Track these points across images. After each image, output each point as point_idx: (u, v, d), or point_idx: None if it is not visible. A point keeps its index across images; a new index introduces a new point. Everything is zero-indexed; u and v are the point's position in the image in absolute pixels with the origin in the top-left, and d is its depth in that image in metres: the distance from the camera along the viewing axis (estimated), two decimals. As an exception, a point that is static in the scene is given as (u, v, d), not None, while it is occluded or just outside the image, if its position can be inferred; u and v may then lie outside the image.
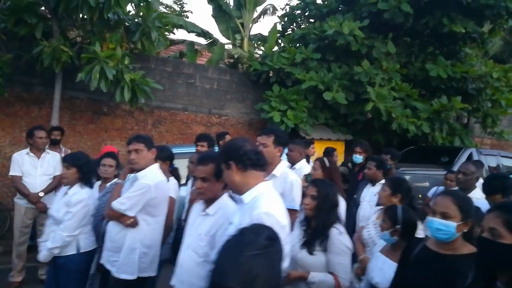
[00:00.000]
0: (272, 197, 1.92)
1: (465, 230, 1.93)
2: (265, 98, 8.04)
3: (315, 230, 2.44)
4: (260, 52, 10.57)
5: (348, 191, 4.64)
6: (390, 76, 8.05)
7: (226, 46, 10.08)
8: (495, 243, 1.50)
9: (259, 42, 11.37)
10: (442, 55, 8.83)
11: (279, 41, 10.42)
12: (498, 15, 8.14)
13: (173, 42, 10.01)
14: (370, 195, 4.17)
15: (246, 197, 1.89)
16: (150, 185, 2.78)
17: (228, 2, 10.20)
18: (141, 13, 6.48)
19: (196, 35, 9.94)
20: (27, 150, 4.57)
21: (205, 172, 2.15)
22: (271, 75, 8.39)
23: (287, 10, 10.88)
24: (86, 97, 6.88)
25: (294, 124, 7.60)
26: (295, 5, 10.51)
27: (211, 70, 8.31)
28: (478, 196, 3.32)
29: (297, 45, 8.91)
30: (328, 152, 6.58)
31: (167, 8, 15.87)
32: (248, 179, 1.90)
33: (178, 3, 16.97)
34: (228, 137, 5.43)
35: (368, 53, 8.11)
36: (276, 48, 10.05)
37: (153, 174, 2.88)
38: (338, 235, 2.39)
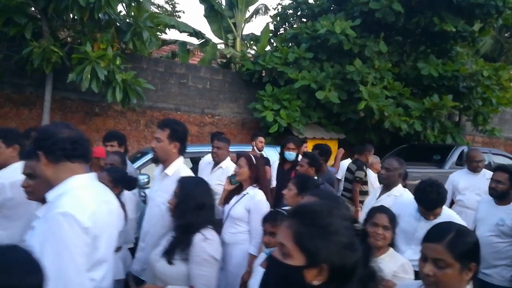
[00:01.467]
0: (86, 193, 1.55)
1: None
2: (258, 98, 8.03)
3: (175, 235, 2.07)
4: (253, 52, 10.57)
5: (277, 190, 4.33)
6: (382, 75, 8.09)
7: (219, 46, 10.06)
8: (280, 264, 1.07)
9: (252, 42, 11.36)
10: (433, 54, 8.89)
11: (272, 40, 10.43)
12: (488, 14, 8.21)
13: (165, 42, 9.96)
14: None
15: (50, 194, 1.55)
16: (4, 184, 2.40)
17: (220, 2, 10.17)
18: (132, 13, 6.45)
19: (188, 35, 9.89)
20: None
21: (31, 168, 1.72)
22: (263, 74, 8.39)
23: (279, 10, 10.89)
24: (77, 98, 6.82)
25: (287, 123, 7.61)
26: (287, 4, 10.53)
27: (204, 70, 8.28)
28: (397, 194, 3.21)
29: (290, 44, 8.92)
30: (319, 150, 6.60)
31: (159, 8, 15.81)
32: (59, 173, 1.55)
33: (169, 3, 16.91)
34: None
35: (360, 52, 8.14)
36: (268, 47, 10.06)
37: (11, 172, 2.43)
38: (202, 242, 1.99)
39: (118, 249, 2.63)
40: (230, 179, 3.20)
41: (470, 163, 4.67)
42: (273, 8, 14.24)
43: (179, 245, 2.01)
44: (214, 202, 2.21)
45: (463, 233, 1.48)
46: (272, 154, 6.37)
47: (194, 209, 2.06)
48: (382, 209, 2.40)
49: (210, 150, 5.64)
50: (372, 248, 1.65)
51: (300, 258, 1.05)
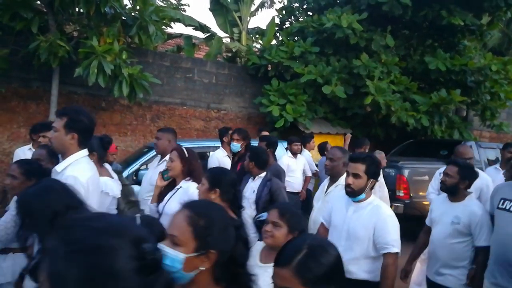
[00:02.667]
0: None
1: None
2: (263, 92, 8.01)
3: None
4: (259, 46, 10.52)
5: None
6: (389, 69, 8.03)
7: (224, 40, 10.01)
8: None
9: (257, 36, 11.30)
10: (441, 48, 8.80)
11: (277, 34, 10.36)
12: (496, 7, 8.11)
13: (171, 36, 9.93)
14: (249, 191, 3.60)
15: None
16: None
17: (225, -5, 10.11)
18: (137, 7, 6.41)
19: (193, 29, 9.85)
20: (30, 145, 4.54)
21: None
22: (269, 69, 8.35)
23: (285, 3, 10.80)
24: (84, 92, 6.84)
25: (293, 118, 7.58)
26: (293, -2, 10.44)
27: (209, 64, 8.26)
28: (344, 183, 2.98)
29: (296, 38, 8.86)
30: (322, 147, 6.63)
31: (164, 2, 15.73)
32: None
33: (175, -3, 16.80)
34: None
35: (367, 46, 8.08)
36: (274, 41, 10.00)
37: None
38: None
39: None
40: (163, 174, 2.99)
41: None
42: (279, 1, 14.15)
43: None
44: (76, 203, 1.77)
45: (316, 251, 1.18)
46: (278, 149, 6.36)
47: (43, 225, 1.68)
48: (276, 205, 2.23)
49: (216, 145, 5.66)
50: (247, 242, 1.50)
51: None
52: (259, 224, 3.25)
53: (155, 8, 6.55)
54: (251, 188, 3.61)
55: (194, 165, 2.98)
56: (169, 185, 3.00)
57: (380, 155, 5.56)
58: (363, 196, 2.54)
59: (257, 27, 11.39)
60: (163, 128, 4.14)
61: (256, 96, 8.25)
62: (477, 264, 2.81)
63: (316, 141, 7.01)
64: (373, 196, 2.63)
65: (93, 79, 5.64)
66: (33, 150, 4.51)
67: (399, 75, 8.15)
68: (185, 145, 5.66)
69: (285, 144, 6.38)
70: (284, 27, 10.51)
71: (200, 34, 10.39)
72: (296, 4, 10.39)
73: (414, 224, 4.50)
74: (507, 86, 8.76)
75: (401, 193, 6.05)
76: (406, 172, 6.16)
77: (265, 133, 5.90)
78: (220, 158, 5.10)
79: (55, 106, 6.14)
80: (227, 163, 4.79)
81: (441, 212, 3.03)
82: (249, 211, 3.48)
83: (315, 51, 8.08)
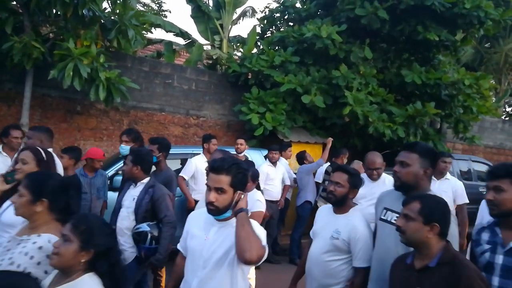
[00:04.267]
0: None
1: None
2: (243, 100, 8.00)
3: None
4: (239, 54, 10.55)
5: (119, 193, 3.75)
6: (367, 81, 8.17)
7: (205, 47, 9.99)
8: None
9: (238, 44, 11.34)
10: (416, 62, 9.03)
11: (258, 43, 10.42)
12: (470, 24, 8.39)
13: (151, 42, 9.85)
14: (129, 200, 3.27)
15: None
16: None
17: (207, 3, 10.13)
18: (117, 11, 6.33)
19: (174, 35, 9.81)
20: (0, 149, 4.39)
21: None
22: (249, 77, 8.36)
23: (267, 13, 10.89)
24: (59, 95, 6.66)
25: (273, 126, 7.60)
26: (274, 8, 10.54)
27: (189, 70, 8.21)
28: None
29: (276, 47, 8.92)
30: (300, 156, 6.68)
31: (145, 7, 15.62)
32: None
33: (156, 2, 16.74)
34: (214, 141, 5.37)
35: (346, 57, 8.21)
36: (255, 50, 10.04)
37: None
38: None
39: None
40: (6, 177, 2.49)
41: (366, 169, 4.15)
42: (260, 11, 14.27)
43: None
44: None
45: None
46: (257, 157, 6.36)
47: None
48: (74, 217, 2.02)
49: (194, 152, 5.61)
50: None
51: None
52: (136, 237, 3.10)
53: (135, 12, 6.48)
54: (131, 196, 3.24)
55: (52, 170, 2.53)
56: (12, 189, 2.38)
57: (358, 165, 5.64)
58: (228, 214, 2.00)
59: (238, 35, 11.44)
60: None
61: (235, 104, 8.24)
62: (352, 286, 2.48)
63: (295, 150, 7.05)
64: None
65: (68, 81, 5.50)
66: (3, 154, 4.36)
67: (376, 87, 8.31)
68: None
69: (265, 153, 6.39)
70: (265, 36, 10.58)
71: (181, 41, 10.36)
72: (277, 14, 10.49)
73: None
74: (479, 100, 9.05)
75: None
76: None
77: (241, 140, 5.87)
78: (198, 164, 5.05)
79: (27, 109, 5.95)
80: (204, 170, 4.75)
81: (323, 224, 2.66)
82: (127, 223, 3.18)
83: (295, 60, 8.15)
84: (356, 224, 2.51)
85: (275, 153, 6.15)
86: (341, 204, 2.61)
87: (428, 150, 2.32)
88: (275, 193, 6.08)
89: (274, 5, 10.56)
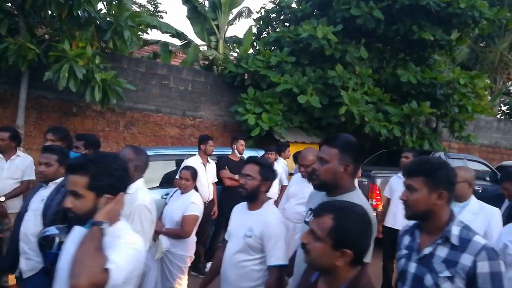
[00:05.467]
0: None
1: None
2: (240, 101, 8.01)
3: None
4: (235, 55, 10.55)
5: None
6: (363, 81, 8.20)
7: (201, 48, 10.00)
8: None
9: (234, 45, 11.35)
10: (412, 61, 9.07)
11: (254, 43, 10.43)
12: (465, 23, 8.44)
13: (147, 43, 9.83)
14: (37, 202, 2.80)
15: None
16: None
17: (203, 3, 10.13)
18: (113, 12, 6.33)
19: (170, 35, 9.80)
20: None
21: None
22: (246, 77, 8.37)
23: (263, 14, 10.91)
24: (54, 97, 6.64)
25: (269, 127, 7.61)
26: (270, 8, 10.56)
27: (186, 71, 8.21)
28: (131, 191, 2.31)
29: (272, 48, 8.94)
30: (297, 156, 6.67)
31: (141, 8, 15.61)
32: None
33: (152, 3, 16.73)
34: (211, 142, 5.35)
35: (342, 57, 8.23)
36: (251, 50, 10.05)
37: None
38: None
39: None
40: None
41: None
42: (256, 11, 14.28)
43: None
44: None
45: None
46: (253, 157, 6.35)
47: None
48: None
49: (190, 153, 5.60)
50: None
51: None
52: (42, 242, 2.44)
53: (131, 13, 6.48)
54: (40, 197, 2.78)
55: None
56: None
57: None
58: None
59: (235, 36, 11.44)
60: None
61: (232, 105, 8.24)
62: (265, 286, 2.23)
63: (291, 150, 7.05)
64: (123, 222, 1.66)
65: (63, 83, 5.49)
66: (-1, 155, 4.33)
67: (372, 87, 8.34)
68: (160, 152, 5.59)
69: (261, 153, 6.39)
70: (261, 36, 10.60)
71: (177, 42, 10.35)
72: (273, 15, 10.51)
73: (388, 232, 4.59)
74: (474, 99, 9.10)
75: (373, 202, 6.15)
76: (378, 182, 6.27)
77: (242, 141, 5.84)
78: (194, 165, 5.03)
79: (23, 111, 5.93)
80: (200, 170, 4.73)
81: (238, 224, 2.44)
82: (33, 227, 2.68)
83: (291, 61, 8.17)
84: (269, 219, 2.29)
85: (271, 153, 6.15)
86: (253, 199, 2.40)
87: (349, 144, 2.02)
88: (273, 193, 6.07)
89: (270, 6, 10.59)
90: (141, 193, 2.48)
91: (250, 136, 7.58)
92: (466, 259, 1.60)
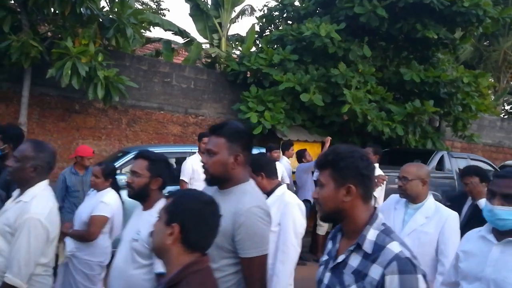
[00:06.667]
0: None
1: None
2: (242, 99, 7.99)
3: None
4: (238, 52, 10.53)
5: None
6: (366, 79, 8.17)
7: (204, 46, 9.98)
8: None
9: (237, 43, 11.33)
10: (415, 60, 9.03)
11: (257, 41, 10.41)
12: (469, 22, 8.39)
13: (149, 40, 9.83)
14: None
15: None
16: None
17: (205, 1, 10.10)
18: (115, 9, 6.31)
19: (173, 33, 9.79)
20: None
21: None
22: (248, 75, 8.35)
23: (265, 11, 10.87)
24: (57, 94, 6.65)
25: (271, 125, 7.59)
26: (273, 6, 10.53)
27: (188, 69, 8.20)
28: None
29: (275, 46, 8.91)
30: (300, 154, 6.67)
31: (143, 5, 15.60)
32: None
33: (154, 1, 16.71)
34: (205, 139, 5.34)
35: (345, 56, 8.20)
36: (253, 48, 10.03)
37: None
38: None
39: None
40: None
41: None
42: (259, 9, 14.27)
43: None
44: None
45: None
46: (255, 155, 6.34)
47: None
48: None
49: (192, 150, 5.60)
50: None
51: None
52: None
53: (133, 10, 6.47)
54: None
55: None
56: None
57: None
58: None
59: (237, 34, 11.41)
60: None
61: (234, 103, 8.23)
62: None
63: (294, 148, 7.04)
64: None
65: (66, 80, 5.49)
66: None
67: (375, 85, 8.30)
68: (162, 150, 5.59)
69: (263, 151, 6.38)
70: (263, 34, 10.57)
71: (179, 39, 10.33)
72: (276, 13, 10.47)
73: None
74: (478, 98, 9.06)
75: (376, 201, 6.14)
76: (381, 180, 6.24)
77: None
78: (194, 163, 5.02)
79: (25, 108, 5.94)
80: (200, 169, 4.71)
81: (129, 227, 2.22)
82: None
83: (294, 59, 8.14)
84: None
85: (275, 152, 6.14)
86: (144, 199, 2.19)
87: (237, 132, 1.83)
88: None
89: (273, 4, 10.56)
90: (37, 203, 2.03)
91: (252, 134, 7.56)
92: (375, 271, 1.30)
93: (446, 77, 8.37)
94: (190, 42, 9.81)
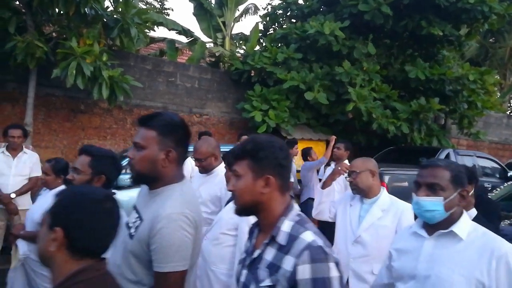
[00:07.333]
0: None
1: None
2: (246, 98, 7.99)
3: None
4: (242, 51, 10.52)
5: None
6: (371, 77, 8.14)
7: (208, 45, 9.98)
8: None
9: (241, 41, 11.32)
10: (420, 57, 8.99)
11: (261, 40, 10.40)
12: (474, 18, 8.34)
13: (153, 40, 9.85)
14: None
15: None
16: None
17: (209, 0, 10.10)
18: (119, 9, 6.33)
19: (177, 33, 9.79)
20: (3, 148, 4.41)
21: None
22: (252, 74, 8.35)
23: (269, 10, 10.87)
24: (62, 95, 6.68)
25: (276, 124, 7.59)
26: (277, 5, 10.51)
27: (192, 68, 8.21)
28: None
29: (279, 44, 8.90)
30: (305, 152, 6.65)
31: (147, 5, 15.63)
32: None
33: (158, 0, 16.74)
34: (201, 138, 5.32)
35: (349, 54, 8.18)
36: (257, 47, 10.02)
37: None
38: None
39: None
40: None
41: (195, 160, 3.18)
42: (262, 8, 14.22)
43: None
44: None
45: None
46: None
47: None
48: None
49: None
50: None
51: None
52: None
53: (137, 10, 6.48)
54: None
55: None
56: None
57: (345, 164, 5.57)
58: None
59: (241, 33, 11.41)
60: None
61: (238, 101, 8.23)
62: None
63: (298, 147, 7.03)
64: None
65: (71, 80, 5.51)
66: (6, 153, 4.37)
67: (380, 83, 8.27)
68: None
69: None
70: (267, 33, 10.56)
71: (183, 39, 10.34)
72: (280, 11, 10.46)
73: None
74: (483, 95, 9.00)
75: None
76: (386, 179, 6.22)
77: (246, 137, 5.83)
78: (193, 163, 5.01)
79: (31, 108, 5.97)
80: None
81: None
82: None
83: (298, 57, 8.13)
84: None
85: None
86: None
87: (170, 124, 1.60)
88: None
89: (277, 2, 10.55)
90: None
91: (256, 133, 7.57)
92: (287, 263, 1.24)
93: (452, 74, 8.32)
94: (194, 41, 9.82)
